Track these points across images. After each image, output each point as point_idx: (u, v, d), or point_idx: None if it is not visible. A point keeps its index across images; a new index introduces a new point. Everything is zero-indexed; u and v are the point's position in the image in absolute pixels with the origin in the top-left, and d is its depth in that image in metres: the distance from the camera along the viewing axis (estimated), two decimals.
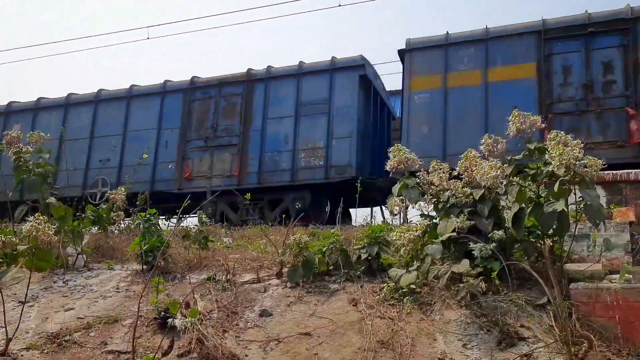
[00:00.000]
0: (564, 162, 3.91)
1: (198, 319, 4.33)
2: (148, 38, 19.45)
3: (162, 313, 4.46)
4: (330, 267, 5.13)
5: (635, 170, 6.05)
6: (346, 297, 4.70)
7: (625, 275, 4.24)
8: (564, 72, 10.51)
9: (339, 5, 15.42)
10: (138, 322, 4.37)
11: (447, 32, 11.55)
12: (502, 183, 4.63)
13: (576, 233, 5.12)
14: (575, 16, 10.74)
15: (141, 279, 5.48)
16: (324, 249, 5.12)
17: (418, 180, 5.12)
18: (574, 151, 3.90)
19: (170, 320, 4.30)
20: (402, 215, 5.11)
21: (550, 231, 4.47)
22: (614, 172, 6.08)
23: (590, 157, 4.19)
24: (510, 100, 10.23)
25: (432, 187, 5.10)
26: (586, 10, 10.65)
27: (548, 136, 4.45)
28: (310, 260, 4.98)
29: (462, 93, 10.98)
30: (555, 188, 4.10)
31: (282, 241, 5.47)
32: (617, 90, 10.12)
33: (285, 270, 5.16)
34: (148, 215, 6.07)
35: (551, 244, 4.74)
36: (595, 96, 10.18)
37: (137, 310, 4.23)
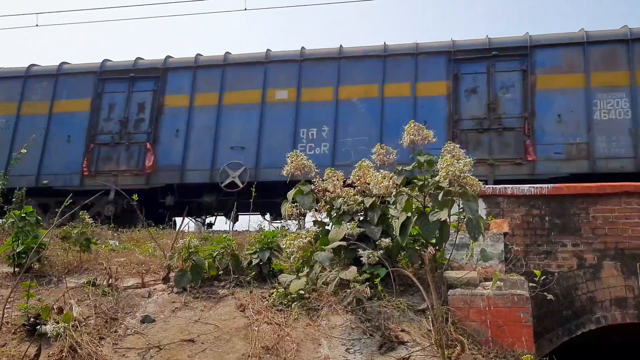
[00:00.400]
0: (450, 173, 4.13)
1: (72, 325, 4.05)
2: (37, 25, 17.94)
3: (32, 319, 4.11)
4: (220, 272, 5.03)
5: (512, 185, 6.54)
6: (234, 303, 4.62)
7: (497, 282, 4.55)
8: (110, 109, 12.18)
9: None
10: (4, 328, 4.02)
11: (30, 64, 12.71)
12: (392, 193, 4.81)
13: (458, 242, 5.45)
14: (126, 61, 12.50)
15: (12, 282, 5.03)
16: (215, 254, 5.01)
17: (313, 187, 5.18)
18: (459, 164, 4.13)
19: (40, 326, 3.98)
20: (295, 221, 5.13)
21: (433, 240, 4.71)
22: (493, 186, 6.54)
23: (470, 176, 4.46)
24: (67, 131, 12.12)
25: (327, 193, 5.19)
26: (136, 57, 12.42)
27: (443, 147, 4.69)
28: (199, 265, 4.85)
29: (32, 121, 12.24)
30: (440, 197, 4.32)
31: (171, 245, 5.28)
32: (143, 127, 11.89)
33: (172, 274, 4.98)
34: (23, 214, 5.59)
35: (434, 252, 4.98)
36: (127, 131, 11.91)
37: (1, 315, 3.87)
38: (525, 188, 6.45)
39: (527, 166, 10.26)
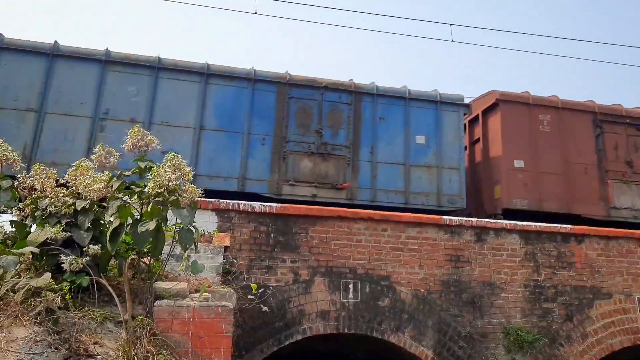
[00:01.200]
0: (158, 184, 4.08)
1: None
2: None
3: None
4: None
5: (245, 202, 6.84)
6: None
7: (204, 294, 4.63)
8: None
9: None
10: None
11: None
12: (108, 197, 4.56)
13: (179, 253, 5.42)
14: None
15: None
16: None
17: (16, 183, 4.62)
18: (167, 174, 4.11)
19: None
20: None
21: (145, 249, 4.59)
22: (227, 201, 6.74)
23: (190, 185, 4.49)
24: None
25: (34, 192, 4.68)
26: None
27: (165, 157, 4.62)
28: None
29: None
30: (150, 207, 4.24)
31: None
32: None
33: None
34: None
35: (148, 261, 4.86)
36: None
37: None
38: (256, 205, 6.80)
39: None
